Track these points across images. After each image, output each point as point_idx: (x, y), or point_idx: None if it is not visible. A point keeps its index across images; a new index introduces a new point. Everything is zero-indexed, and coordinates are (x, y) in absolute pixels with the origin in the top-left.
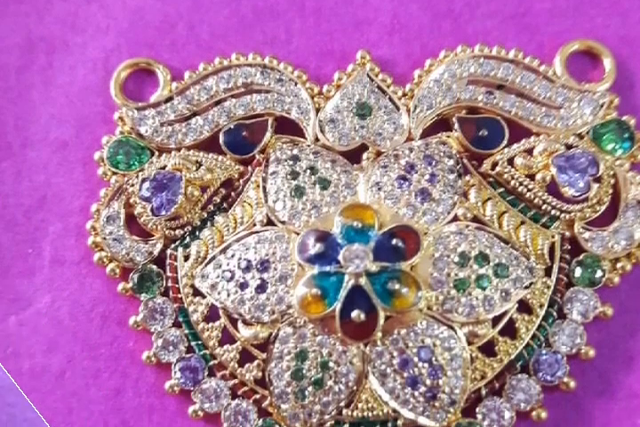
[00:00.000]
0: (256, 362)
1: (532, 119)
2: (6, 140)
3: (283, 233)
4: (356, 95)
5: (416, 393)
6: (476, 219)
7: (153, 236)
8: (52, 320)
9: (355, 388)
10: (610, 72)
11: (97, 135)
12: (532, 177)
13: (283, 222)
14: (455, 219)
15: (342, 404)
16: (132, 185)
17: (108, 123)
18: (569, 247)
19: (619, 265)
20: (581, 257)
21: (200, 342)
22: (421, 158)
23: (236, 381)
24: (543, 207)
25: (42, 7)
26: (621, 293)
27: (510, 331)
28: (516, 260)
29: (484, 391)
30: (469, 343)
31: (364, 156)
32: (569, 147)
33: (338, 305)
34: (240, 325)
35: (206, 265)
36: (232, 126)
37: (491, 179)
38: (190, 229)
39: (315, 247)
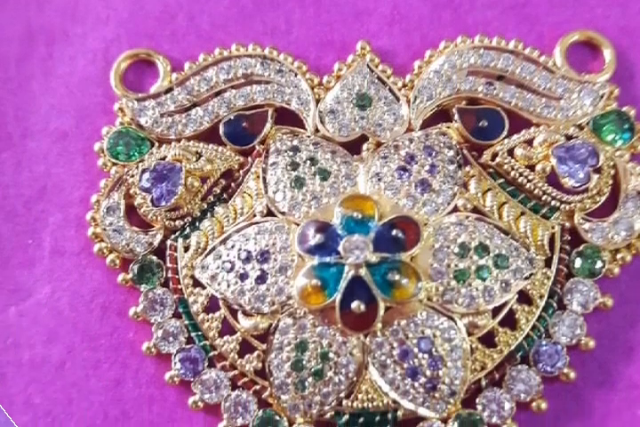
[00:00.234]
0: (256, 353)
1: (532, 110)
2: (6, 131)
3: (283, 224)
4: (355, 86)
5: (416, 384)
6: (476, 210)
7: (153, 227)
8: (52, 311)
9: (355, 379)
10: (610, 63)
11: (97, 126)
12: (531, 168)
13: (283, 213)
14: (455, 210)
15: (342, 395)
16: (132, 176)
17: (108, 113)
18: (569, 238)
19: (619, 256)
20: (581, 248)
21: (200, 333)
22: (421, 149)
23: (235, 372)
24: (543, 198)
25: None
26: (621, 283)
27: (510, 322)
28: (516, 251)
29: (483, 382)
30: (469, 334)
31: (364, 146)
32: (569, 138)
33: (338, 296)
34: (240, 315)
35: (206, 256)
36: (232, 117)
37: (491, 169)
38: (190, 219)
39: (315, 238)
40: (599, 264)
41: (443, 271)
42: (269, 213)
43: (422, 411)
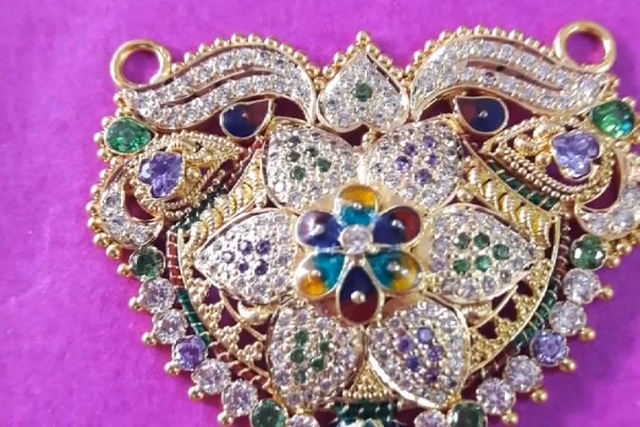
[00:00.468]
0: (256, 343)
1: (532, 101)
2: (6, 122)
3: (283, 214)
4: (355, 77)
5: (416, 375)
6: (476, 200)
7: (153, 217)
8: (52, 302)
9: (355, 369)
10: (610, 53)
11: (97, 117)
12: (531, 158)
13: (283, 204)
14: (455, 200)
15: (342, 385)
16: (132, 166)
17: (108, 104)
18: (569, 229)
19: (619, 246)
20: (581, 238)
21: (200, 324)
22: (421, 140)
23: (235, 362)
24: (543, 189)
25: None
26: (621, 274)
27: (510, 312)
28: (516, 241)
29: (483, 373)
30: (469, 325)
31: (364, 137)
32: (569, 128)
33: (338, 287)
34: (240, 306)
35: (206, 247)
36: (232, 108)
37: (491, 160)
38: (190, 210)
39: (315, 229)
40: (599, 255)
41: (443, 262)
42: (269, 204)
43: (422, 401)
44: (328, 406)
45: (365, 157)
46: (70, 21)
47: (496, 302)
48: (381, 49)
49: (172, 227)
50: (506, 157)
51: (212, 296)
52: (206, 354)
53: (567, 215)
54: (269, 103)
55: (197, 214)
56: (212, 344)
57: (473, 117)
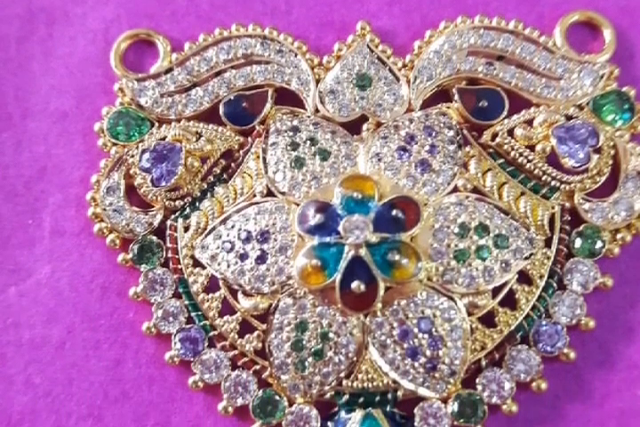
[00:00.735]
0: (256, 333)
1: (532, 90)
2: (6, 111)
3: (283, 204)
4: (355, 66)
5: (416, 364)
6: (476, 190)
7: (153, 207)
8: (52, 291)
9: (355, 359)
10: (610, 43)
11: (97, 106)
12: (531, 148)
13: (283, 193)
14: (455, 190)
15: (342, 375)
16: (132, 156)
17: (108, 94)
18: (569, 218)
19: (619, 236)
20: (581, 228)
21: (200, 313)
22: (421, 129)
23: (235, 352)
24: (543, 178)
25: None
26: (621, 263)
27: (510, 302)
28: (516, 231)
29: (483, 362)
30: (469, 314)
31: (364, 127)
32: (569, 118)
33: (338, 276)
34: (240, 296)
35: (206, 236)
36: (232, 97)
37: (491, 150)
38: (190, 200)
39: (315, 218)
40: (599, 244)
41: (443, 251)
42: (269, 194)
43: (422, 391)
44: (328, 395)
45: (365, 146)
46: (70, 11)
47: (496, 291)
48: (381, 38)
49: (172, 216)
50: (506, 147)
51: (211, 286)
52: (206, 343)
53: (567, 205)
54: (269, 93)
55: (197, 204)
56: (211, 334)
57: (473, 107)
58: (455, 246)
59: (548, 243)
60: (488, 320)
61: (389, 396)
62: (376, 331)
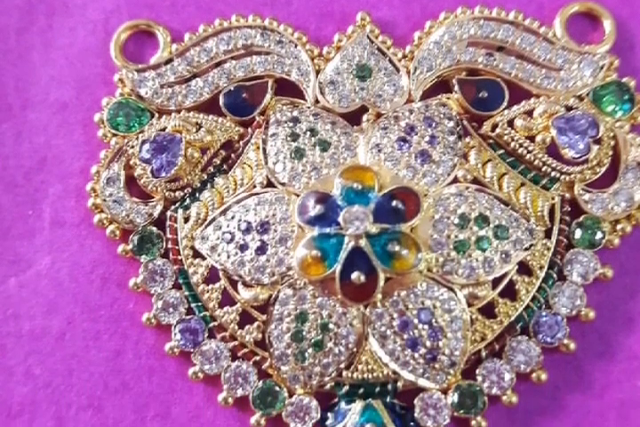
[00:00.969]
0: (256, 324)
1: (532, 81)
2: (6, 102)
3: (283, 195)
4: (355, 57)
5: (416, 355)
6: (476, 181)
7: (153, 197)
8: (52, 282)
9: (355, 350)
10: (610, 34)
11: (97, 97)
12: (531, 139)
13: (283, 184)
14: (455, 181)
15: (342, 366)
16: (132, 147)
17: (108, 84)
18: (569, 209)
19: (619, 227)
20: (581, 219)
21: (200, 304)
22: (421, 120)
23: (235, 342)
24: (543, 169)
25: None
26: (621, 254)
27: (510, 293)
28: (516, 221)
29: (483, 353)
30: (469, 305)
31: (364, 117)
32: (569, 108)
33: (338, 267)
34: (240, 286)
35: (206, 227)
36: (232, 88)
37: (491, 140)
38: (190, 190)
39: (315, 209)
40: (599, 235)
41: (443, 242)
42: (269, 184)
43: (422, 382)
44: (328, 386)
45: (365, 137)
46: (70, 1)
47: (496, 282)
48: (381, 29)
49: (172, 207)
50: (506, 138)
51: (211, 276)
52: (206, 334)
53: (567, 195)
54: (269, 83)
55: (197, 195)
56: (211, 325)
57: (473, 98)
58: (455, 237)
59: (548, 234)
60: (488, 311)
61: (389, 387)
62: (376, 322)
